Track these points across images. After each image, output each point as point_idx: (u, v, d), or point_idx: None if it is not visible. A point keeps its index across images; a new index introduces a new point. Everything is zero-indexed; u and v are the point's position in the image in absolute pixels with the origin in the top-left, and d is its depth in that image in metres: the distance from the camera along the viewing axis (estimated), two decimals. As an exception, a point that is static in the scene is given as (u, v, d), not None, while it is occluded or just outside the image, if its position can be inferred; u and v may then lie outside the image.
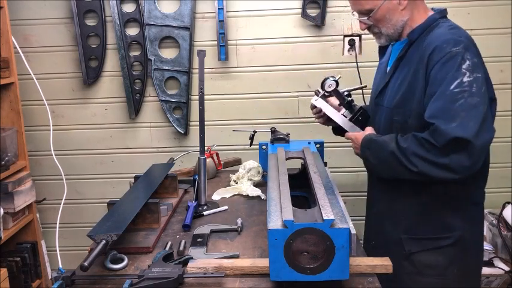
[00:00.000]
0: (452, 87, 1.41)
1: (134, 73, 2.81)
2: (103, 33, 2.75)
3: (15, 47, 2.55)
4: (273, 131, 2.13)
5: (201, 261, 1.37)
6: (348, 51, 2.78)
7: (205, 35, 2.79)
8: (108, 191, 2.96)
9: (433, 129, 1.41)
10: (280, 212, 1.26)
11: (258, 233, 1.65)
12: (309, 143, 2.04)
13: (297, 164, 2.05)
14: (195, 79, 2.83)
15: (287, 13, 2.76)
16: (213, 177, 2.36)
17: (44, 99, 2.60)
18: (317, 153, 1.89)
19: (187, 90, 2.81)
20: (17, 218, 2.52)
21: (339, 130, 1.90)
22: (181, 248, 1.50)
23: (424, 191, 1.59)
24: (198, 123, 1.86)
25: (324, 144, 2.12)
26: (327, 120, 1.91)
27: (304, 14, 2.71)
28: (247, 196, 2.02)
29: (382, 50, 1.84)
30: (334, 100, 1.86)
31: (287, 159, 1.83)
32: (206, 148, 2.12)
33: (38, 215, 2.76)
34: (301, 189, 1.83)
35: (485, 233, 2.59)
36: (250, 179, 2.10)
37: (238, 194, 2.05)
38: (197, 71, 1.85)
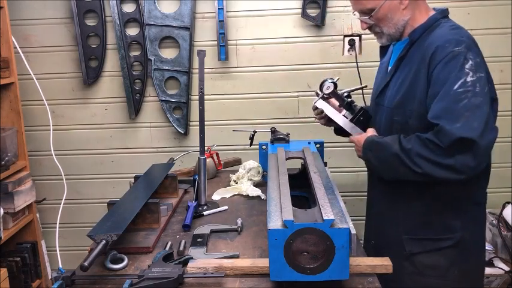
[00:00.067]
0: (455, 87, 1.41)
1: (134, 73, 2.81)
2: (103, 33, 2.75)
3: (15, 47, 2.55)
4: (273, 131, 2.12)
5: (201, 261, 1.37)
6: (348, 51, 2.78)
7: (205, 35, 2.79)
8: (108, 191, 2.96)
9: (438, 129, 1.40)
10: (280, 212, 1.26)
11: (258, 233, 1.64)
12: (309, 143, 2.04)
13: (297, 164, 2.05)
14: (195, 79, 2.83)
15: (287, 13, 2.76)
16: (213, 177, 2.36)
17: (44, 99, 2.60)
18: (317, 153, 1.88)
19: (187, 90, 2.81)
20: (17, 218, 2.52)
21: (340, 131, 1.90)
22: (181, 248, 1.50)
23: (425, 192, 1.58)
24: (198, 123, 1.86)
25: (324, 144, 2.12)
26: (329, 121, 1.90)
27: (304, 14, 2.71)
28: (247, 196, 2.02)
29: (383, 50, 1.83)
30: (335, 101, 1.86)
31: (287, 159, 1.83)
32: (206, 148, 2.12)
33: (38, 215, 2.76)
34: (301, 189, 1.83)
35: (485, 233, 2.59)
36: (250, 179, 2.10)
37: (238, 194, 2.05)
38: (197, 71, 1.85)
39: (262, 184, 2.09)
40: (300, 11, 2.72)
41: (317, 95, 1.87)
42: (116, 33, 2.73)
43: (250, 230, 1.67)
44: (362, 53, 2.77)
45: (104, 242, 1.33)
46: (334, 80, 1.78)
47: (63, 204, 2.61)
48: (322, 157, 1.99)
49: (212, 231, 1.65)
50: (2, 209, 2.33)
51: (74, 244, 3.01)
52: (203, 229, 1.65)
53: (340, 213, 1.25)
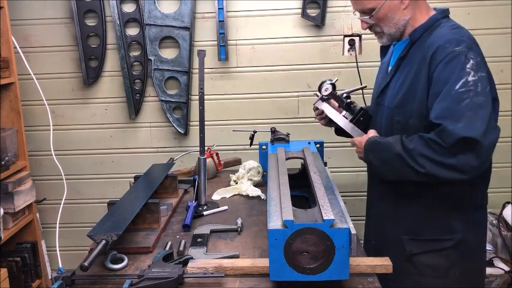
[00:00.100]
0: (457, 87, 1.41)
1: (134, 73, 2.81)
2: (103, 33, 2.75)
3: (15, 47, 2.55)
4: (273, 131, 2.13)
5: (201, 261, 1.37)
6: (348, 51, 2.78)
7: (205, 35, 2.79)
8: (108, 191, 2.96)
9: (440, 129, 1.40)
10: (280, 212, 1.26)
11: (258, 233, 1.64)
12: (309, 143, 2.04)
13: (297, 164, 2.05)
14: (195, 79, 2.83)
15: (287, 13, 2.76)
16: (213, 177, 2.36)
17: (44, 99, 2.60)
18: (317, 153, 1.88)
19: (187, 90, 2.81)
20: (17, 218, 2.52)
21: (341, 131, 1.90)
22: (181, 248, 1.50)
23: (425, 192, 1.58)
24: (198, 123, 1.86)
25: (324, 144, 2.12)
26: (329, 122, 1.91)
27: (304, 14, 2.71)
28: (247, 196, 2.02)
29: (384, 50, 1.83)
30: (336, 102, 1.86)
31: (287, 159, 1.83)
32: (206, 148, 2.12)
33: (38, 215, 2.76)
34: (301, 189, 1.83)
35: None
36: (250, 179, 2.10)
37: (238, 194, 2.05)
38: (197, 71, 1.85)
39: (262, 184, 2.09)
40: (300, 11, 2.72)
41: (317, 96, 1.87)
42: (116, 33, 2.73)
43: (250, 230, 1.67)
44: (362, 53, 2.77)
45: (104, 242, 1.33)
46: (333, 81, 1.78)
47: (63, 204, 2.60)
48: (322, 157, 1.99)
49: (212, 231, 1.65)
50: (2, 209, 2.33)
51: (74, 244, 3.01)
52: (203, 229, 1.65)
53: (340, 213, 1.25)
